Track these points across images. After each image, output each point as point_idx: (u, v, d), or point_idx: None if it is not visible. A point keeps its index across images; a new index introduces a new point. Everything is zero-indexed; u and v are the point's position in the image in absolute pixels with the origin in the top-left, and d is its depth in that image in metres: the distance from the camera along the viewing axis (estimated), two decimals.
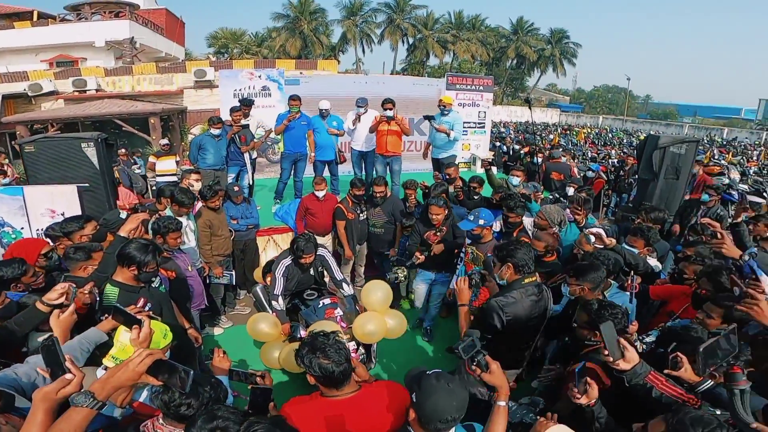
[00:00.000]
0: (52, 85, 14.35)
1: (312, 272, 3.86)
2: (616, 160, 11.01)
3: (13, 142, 12.12)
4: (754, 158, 15.09)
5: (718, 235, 2.68)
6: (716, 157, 13.79)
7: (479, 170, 6.06)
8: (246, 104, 6.30)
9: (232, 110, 6.04)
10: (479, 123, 9.89)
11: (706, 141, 21.28)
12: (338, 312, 3.59)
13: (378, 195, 4.88)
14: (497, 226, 4.42)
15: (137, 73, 15.48)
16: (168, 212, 3.88)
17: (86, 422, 1.29)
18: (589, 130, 26.44)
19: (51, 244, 3.21)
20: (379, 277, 4.71)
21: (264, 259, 5.17)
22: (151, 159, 8.25)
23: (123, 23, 18.99)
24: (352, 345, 3.42)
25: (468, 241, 3.81)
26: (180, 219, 3.69)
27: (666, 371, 1.83)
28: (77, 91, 14.41)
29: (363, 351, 3.57)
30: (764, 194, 8.45)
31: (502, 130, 21.89)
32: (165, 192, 4.06)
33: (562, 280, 3.17)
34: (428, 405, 1.53)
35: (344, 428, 1.71)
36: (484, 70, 38.49)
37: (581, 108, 46.33)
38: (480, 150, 9.96)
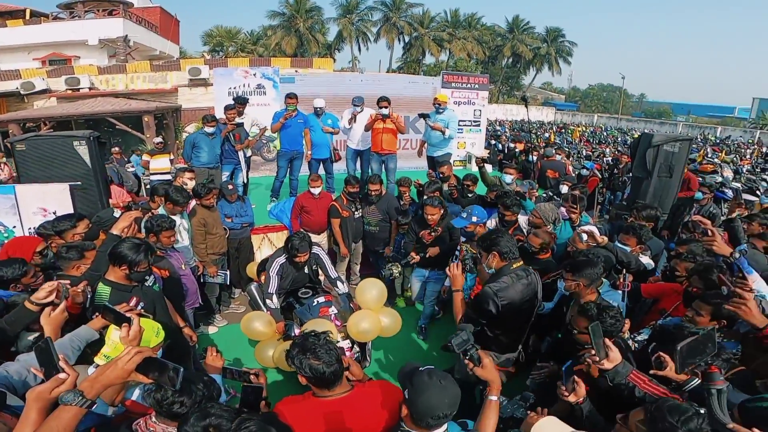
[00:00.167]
0: (45, 84, 14.26)
1: (306, 270, 3.85)
2: (610, 159, 11.06)
3: (5, 141, 12.03)
4: (747, 157, 15.20)
5: (709, 233, 2.70)
6: (709, 155, 13.88)
7: (475, 169, 6.06)
8: (240, 102, 6.28)
9: (227, 108, 6.01)
10: (475, 121, 9.90)
11: (699, 139, 21.39)
12: (333, 310, 3.59)
13: (373, 193, 4.88)
14: (492, 223, 4.43)
15: (131, 71, 15.39)
16: (161, 210, 3.86)
17: (76, 421, 1.28)
18: (584, 129, 26.55)
19: (43, 242, 3.18)
20: (374, 275, 4.72)
21: (259, 257, 5.16)
22: (145, 157, 8.20)
23: (117, 21, 18.87)
24: (346, 343, 3.41)
25: (462, 239, 3.81)
26: (173, 217, 3.66)
27: (651, 372, 1.84)
28: (70, 89, 14.31)
29: (358, 349, 3.57)
30: (757, 192, 8.52)
31: (498, 128, 21.94)
32: (158, 190, 4.03)
33: (557, 277, 3.19)
34: (420, 401, 1.54)
35: (336, 428, 1.71)
36: (480, 69, 38.54)
37: (576, 106, 46.49)
38: (475, 148, 9.97)
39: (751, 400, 1.63)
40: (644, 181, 4.97)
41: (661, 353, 1.87)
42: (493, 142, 12.97)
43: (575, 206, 3.94)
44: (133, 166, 8.89)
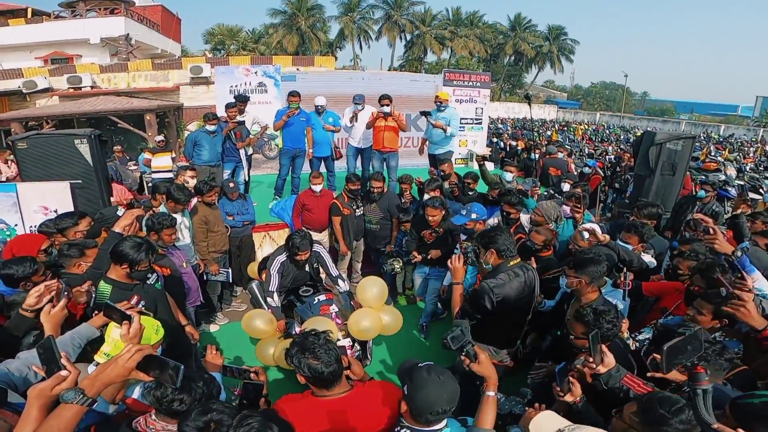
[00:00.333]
0: (47, 82, 14.28)
1: (307, 268, 3.85)
2: (612, 157, 11.03)
3: (6, 139, 12.06)
4: (751, 155, 15.13)
5: (711, 231, 2.69)
6: (713, 153, 13.82)
7: (476, 167, 6.06)
8: (241, 100, 6.27)
9: (228, 106, 6.01)
10: (476, 119, 9.88)
11: (702, 138, 21.29)
12: (333, 308, 3.58)
13: (375, 190, 4.88)
14: (494, 222, 4.43)
15: (133, 69, 15.41)
16: (162, 209, 3.86)
17: (76, 419, 1.28)
18: (587, 127, 26.46)
19: (48, 240, 3.19)
20: (375, 273, 4.72)
21: (260, 255, 5.16)
22: (147, 155, 8.22)
23: (118, 20, 18.89)
24: (347, 341, 3.41)
25: (463, 237, 3.80)
26: (175, 216, 3.67)
27: (649, 374, 1.84)
28: (72, 88, 14.33)
29: (359, 348, 3.57)
30: (761, 191, 8.48)
31: (500, 126, 21.89)
32: (160, 188, 4.03)
33: (559, 274, 3.18)
34: (419, 397, 1.55)
35: (334, 428, 1.71)
36: (482, 67, 38.43)
37: (579, 105, 46.35)
38: (477, 146, 9.95)
39: (741, 397, 1.64)
40: (647, 179, 4.95)
41: (656, 354, 1.85)
42: (494, 140, 12.94)
43: (579, 206, 3.92)
44: (135, 164, 8.91)
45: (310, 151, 6.23)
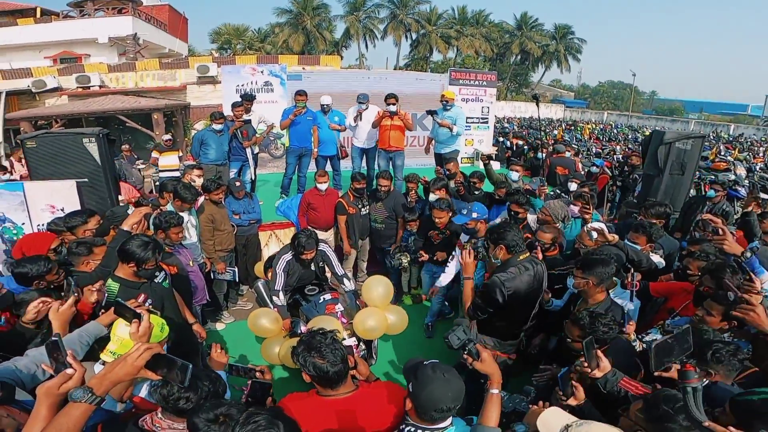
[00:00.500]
0: (56, 82, 14.40)
1: (313, 267, 3.85)
2: (621, 156, 10.94)
3: (16, 138, 12.18)
4: (761, 155, 14.94)
5: (720, 231, 2.66)
6: (722, 153, 13.67)
7: (482, 166, 6.04)
8: (247, 99, 6.29)
9: (234, 105, 6.03)
10: (482, 118, 9.83)
11: (712, 137, 21.07)
12: (339, 307, 3.58)
13: (382, 189, 4.87)
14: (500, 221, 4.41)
15: (140, 69, 15.51)
16: (169, 207, 3.88)
17: (85, 417, 1.28)
18: (594, 126, 26.27)
19: (58, 239, 3.22)
20: (381, 272, 4.72)
21: (266, 254, 5.18)
22: (154, 154, 8.27)
23: (126, 19, 19.00)
24: (353, 341, 3.41)
25: (464, 238, 3.79)
26: (182, 214, 3.69)
27: (656, 373, 1.83)
28: (81, 87, 14.45)
29: (364, 347, 3.56)
30: None
31: (506, 125, 21.79)
32: (167, 187, 4.06)
33: (567, 272, 3.16)
34: (424, 395, 1.55)
35: (338, 428, 1.70)
36: (488, 66, 38.27)
37: (586, 104, 46.02)
38: (483, 145, 9.91)
39: (741, 394, 1.65)
40: (655, 178, 4.90)
41: (688, 363, 1.85)
42: (501, 139, 12.88)
43: (588, 206, 3.89)
44: (144, 163, 8.96)
45: (316, 150, 6.23)
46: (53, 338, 1.40)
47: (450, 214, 4.07)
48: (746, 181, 8.66)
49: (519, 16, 41.71)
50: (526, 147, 11.06)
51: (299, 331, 3.48)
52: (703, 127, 27.99)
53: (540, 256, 3.15)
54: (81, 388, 1.29)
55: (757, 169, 10.83)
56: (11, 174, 6.94)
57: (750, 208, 4.33)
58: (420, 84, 9.53)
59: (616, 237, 3.26)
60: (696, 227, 4.25)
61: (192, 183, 4.46)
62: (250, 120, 6.21)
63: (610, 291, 2.73)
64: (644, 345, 2.50)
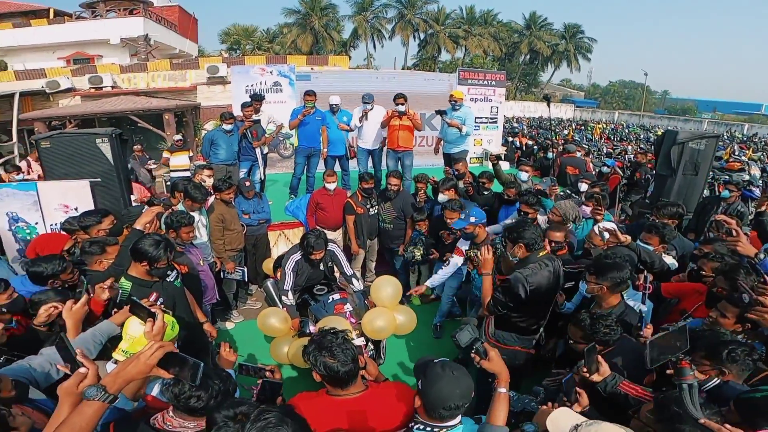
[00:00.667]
0: (69, 82, 14.60)
1: (322, 267, 3.86)
2: (632, 156, 10.81)
3: (30, 138, 12.37)
4: None
5: (734, 233, 2.62)
6: (736, 153, 13.45)
7: (491, 166, 6.02)
8: (256, 99, 6.31)
9: (243, 106, 6.06)
10: (491, 118, 9.77)
11: (726, 137, 20.76)
12: (348, 307, 3.59)
13: (392, 188, 4.86)
14: (510, 222, 4.38)
15: (152, 69, 15.67)
16: (180, 207, 3.91)
17: (98, 416, 1.29)
18: (605, 126, 26.00)
19: (72, 239, 3.26)
20: (389, 272, 4.71)
21: (275, 253, 5.20)
22: (165, 154, 8.35)
23: (137, 20, 19.21)
24: (361, 341, 3.41)
25: (464, 244, 3.76)
26: (192, 214, 3.71)
27: (668, 371, 1.82)
28: (93, 87, 14.64)
29: (372, 347, 3.56)
30: None
31: (515, 125, 21.66)
32: (178, 186, 4.09)
33: (576, 270, 3.13)
34: (432, 392, 1.56)
35: (347, 427, 1.71)
36: (497, 66, 38.07)
37: (596, 103, 45.56)
38: (492, 145, 9.85)
39: (744, 392, 1.65)
40: (668, 179, 4.83)
41: (684, 360, 1.84)
42: (510, 139, 12.80)
43: (600, 207, 3.85)
44: (155, 163, 9.05)
45: (325, 150, 6.24)
46: (58, 338, 1.41)
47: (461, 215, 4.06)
48: (760, 182, 8.51)
49: (528, 16, 41.51)
50: (535, 147, 10.98)
51: (308, 331, 3.49)
52: (716, 126, 27.53)
53: None
54: (94, 387, 1.30)
55: None
56: (28, 174, 7.04)
57: (764, 209, 4.25)
58: (429, 84, 9.50)
59: (629, 238, 3.21)
60: (710, 228, 4.19)
61: (202, 183, 4.50)
62: (259, 120, 6.24)
63: (624, 294, 2.70)
64: None
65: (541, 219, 4.09)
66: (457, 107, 5.90)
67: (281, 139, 8.98)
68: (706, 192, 5.99)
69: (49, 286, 2.50)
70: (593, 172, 7.63)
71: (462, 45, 39.47)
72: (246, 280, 4.74)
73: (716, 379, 1.83)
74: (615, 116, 35.70)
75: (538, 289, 2.61)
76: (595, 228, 3.43)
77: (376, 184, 5.13)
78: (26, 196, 4.04)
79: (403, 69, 35.44)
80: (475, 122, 7.38)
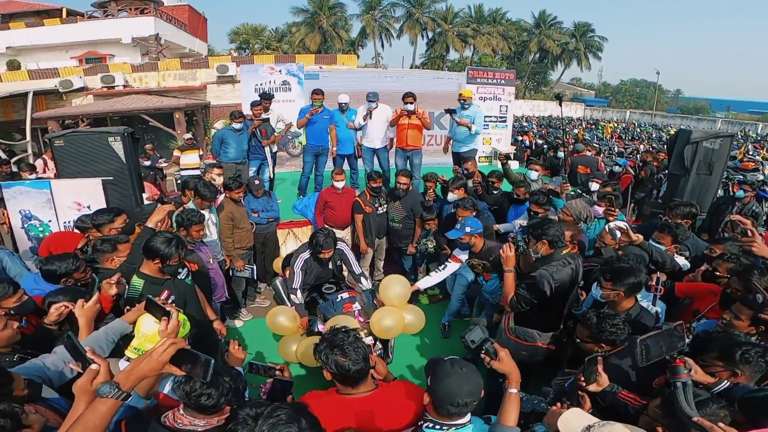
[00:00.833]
0: (82, 82, 14.76)
1: (330, 266, 3.86)
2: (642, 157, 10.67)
3: (44, 137, 12.56)
4: None
5: (749, 233, 2.57)
6: (750, 152, 13.23)
7: (500, 165, 5.99)
8: (266, 98, 6.34)
9: (253, 104, 6.09)
10: (501, 117, 9.71)
11: (740, 136, 20.41)
12: (356, 306, 3.58)
13: (402, 186, 4.85)
14: (518, 225, 4.35)
15: (162, 69, 15.80)
16: (191, 205, 3.94)
17: (111, 413, 1.29)
18: (616, 125, 25.71)
19: (85, 238, 3.29)
20: (397, 271, 4.70)
21: (284, 251, 5.22)
22: (176, 153, 8.41)
23: (148, 20, 19.38)
24: (369, 340, 3.41)
25: (460, 254, 3.76)
26: (202, 212, 3.74)
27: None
28: (105, 87, 14.80)
29: (380, 346, 3.56)
30: None
31: (525, 124, 21.51)
32: (189, 184, 4.12)
33: (588, 269, 3.10)
34: (440, 388, 1.57)
35: (357, 426, 1.71)
36: (506, 64, 37.83)
37: (607, 102, 45.06)
38: (501, 144, 9.80)
39: (748, 392, 1.66)
40: (681, 178, 4.77)
41: (679, 358, 1.83)
42: (519, 138, 12.71)
43: (613, 208, 3.81)
44: (166, 161, 9.12)
45: (334, 149, 6.24)
46: (67, 337, 1.42)
47: (474, 214, 4.04)
48: None
49: (537, 14, 41.17)
50: (545, 146, 10.88)
51: (316, 330, 3.50)
52: (730, 126, 27.09)
53: None
54: (108, 384, 1.30)
55: None
56: (44, 172, 7.14)
57: None
58: (437, 83, 9.46)
59: (641, 237, 3.17)
60: (725, 228, 4.12)
61: (212, 181, 4.53)
62: (268, 119, 6.26)
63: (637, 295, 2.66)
64: None
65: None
66: (467, 106, 5.88)
67: (290, 137, 9.01)
68: (720, 192, 5.90)
69: (62, 284, 2.52)
70: (604, 171, 7.56)
71: (470, 44, 39.27)
72: (255, 278, 4.76)
73: (725, 382, 1.81)
74: (626, 115, 35.28)
75: (562, 287, 2.65)
76: (606, 228, 3.39)
77: (384, 182, 5.12)
78: (40, 194, 4.10)
79: (411, 68, 35.37)
80: (485, 121, 7.33)
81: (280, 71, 8.93)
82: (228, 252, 4.33)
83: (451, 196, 4.62)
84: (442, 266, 3.89)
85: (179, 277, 2.71)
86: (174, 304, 2.10)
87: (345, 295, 3.69)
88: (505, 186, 5.15)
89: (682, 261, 3.31)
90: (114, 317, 2.30)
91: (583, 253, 3.64)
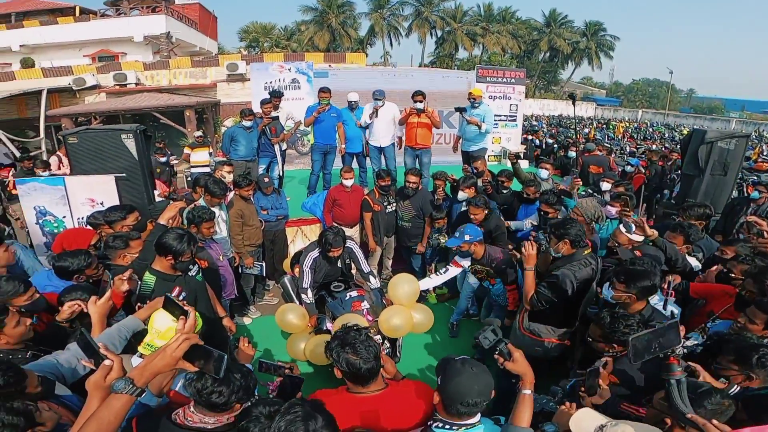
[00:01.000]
0: (95, 80, 14.94)
1: (339, 264, 3.86)
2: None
3: (57, 134, 12.73)
4: None
5: (765, 234, 2.53)
6: (765, 153, 13.00)
7: (509, 164, 5.95)
8: (275, 96, 6.35)
9: (263, 102, 6.10)
10: (511, 116, 9.65)
11: (754, 136, 20.07)
12: (365, 305, 3.58)
13: (411, 185, 4.84)
14: (528, 224, 4.32)
15: (173, 67, 15.94)
16: (201, 202, 3.97)
17: (126, 409, 1.29)
18: (628, 125, 25.41)
19: (97, 234, 3.32)
20: (406, 270, 4.69)
21: (293, 249, 5.23)
22: (186, 150, 8.47)
23: (159, 18, 19.56)
24: (377, 339, 3.41)
25: (462, 260, 3.75)
26: (213, 209, 3.76)
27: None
28: (118, 85, 14.97)
29: (388, 345, 3.55)
30: None
31: (534, 123, 21.35)
32: (199, 181, 4.15)
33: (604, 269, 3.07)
34: (450, 387, 1.56)
35: (367, 425, 1.70)
36: (516, 63, 37.56)
37: (618, 101, 44.53)
38: (511, 143, 9.73)
39: (752, 389, 1.68)
40: (695, 179, 4.69)
41: (690, 363, 1.85)
42: (529, 137, 12.61)
43: (628, 209, 3.76)
44: (176, 159, 9.20)
45: (342, 146, 6.24)
46: (80, 334, 1.43)
47: (486, 212, 4.03)
48: None
49: (548, 13, 40.81)
50: (555, 145, 10.79)
51: (325, 328, 3.50)
52: (744, 126, 26.65)
53: None
54: (122, 380, 1.30)
55: None
56: (59, 169, 7.24)
57: None
58: (447, 81, 9.42)
59: (656, 232, 3.12)
60: (740, 229, 4.05)
61: (222, 179, 4.56)
62: (278, 117, 6.27)
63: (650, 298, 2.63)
64: (685, 350, 2.39)
65: None
66: (476, 105, 5.84)
67: (299, 135, 9.03)
68: (735, 193, 5.81)
69: (75, 281, 2.54)
70: (615, 171, 7.48)
71: (480, 42, 39.06)
72: (264, 275, 4.78)
73: (736, 386, 1.80)
74: (638, 115, 34.87)
75: (583, 285, 2.67)
76: (621, 227, 3.35)
77: (392, 181, 5.11)
78: (54, 191, 4.16)
79: (420, 66, 35.29)
80: (494, 120, 7.29)
81: (289, 69, 8.95)
82: (237, 249, 4.36)
83: (462, 195, 4.60)
84: (444, 269, 3.90)
85: (190, 274, 2.73)
86: (185, 301, 2.11)
87: (354, 293, 3.69)
88: (515, 185, 5.11)
89: (694, 262, 3.27)
90: (124, 314, 2.31)
91: (595, 252, 3.61)
